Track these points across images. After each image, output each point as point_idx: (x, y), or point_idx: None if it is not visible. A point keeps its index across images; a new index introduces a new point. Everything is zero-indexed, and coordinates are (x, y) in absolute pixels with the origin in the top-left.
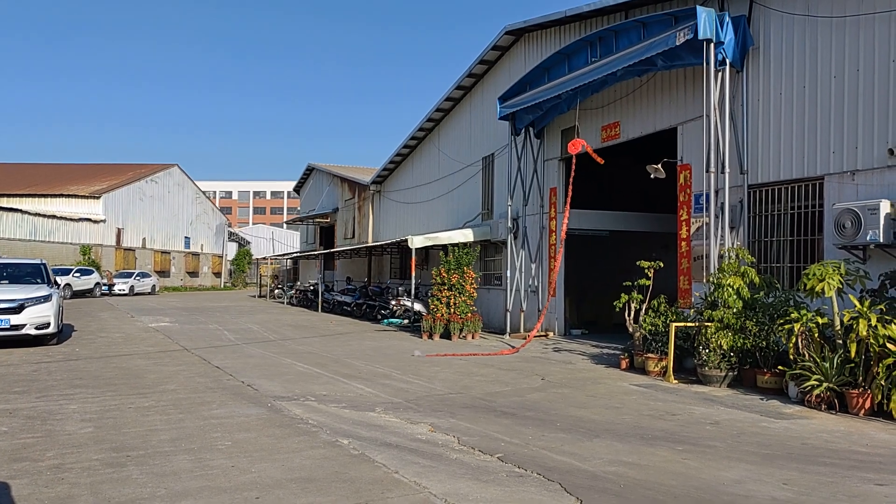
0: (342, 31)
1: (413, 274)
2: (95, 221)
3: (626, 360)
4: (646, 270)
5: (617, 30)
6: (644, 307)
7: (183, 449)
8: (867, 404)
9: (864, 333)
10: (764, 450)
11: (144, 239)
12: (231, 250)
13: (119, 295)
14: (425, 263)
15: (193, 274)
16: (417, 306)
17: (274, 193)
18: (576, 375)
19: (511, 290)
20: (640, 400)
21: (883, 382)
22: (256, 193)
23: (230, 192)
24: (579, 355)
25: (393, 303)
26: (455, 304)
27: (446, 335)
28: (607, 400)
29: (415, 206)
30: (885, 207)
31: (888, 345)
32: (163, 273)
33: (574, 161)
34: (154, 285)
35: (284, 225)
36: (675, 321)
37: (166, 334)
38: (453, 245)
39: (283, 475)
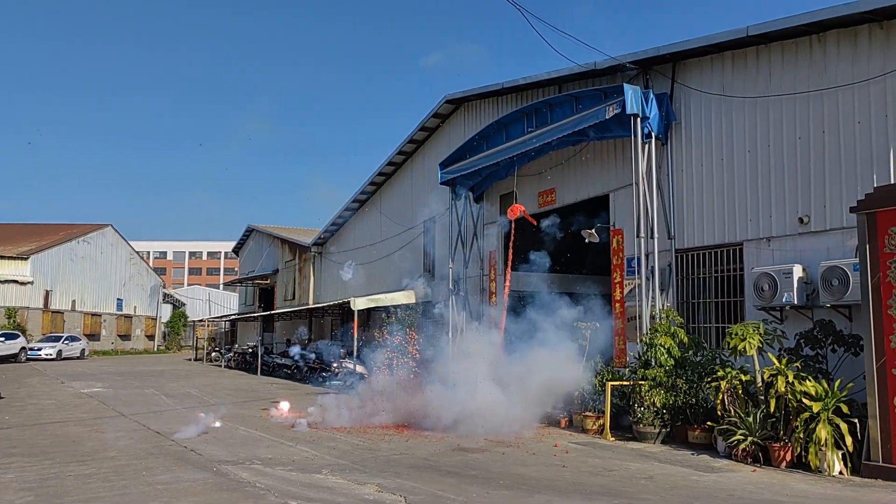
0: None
1: (356, 336)
2: (22, 283)
3: (566, 419)
4: (583, 331)
5: (551, 102)
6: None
7: None
8: (788, 456)
9: (783, 389)
10: (694, 502)
11: (74, 301)
12: (165, 312)
13: (46, 360)
14: (368, 325)
15: (125, 337)
16: (360, 368)
17: (210, 254)
18: (517, 434)
19: (452, 351)
20: (578, 457)
21: (801, 436)
22: (192, 254)
23: (165, 253)
24: None
25: (335, 365)
26: (397, 364)
27: (389, 397)
28: (548, 458)
29: (356, 267)
30: (797, 272)
31: (804, 400)
32: (93, 336)
33: (513, 225)
34: (84, 349)
35: (221, 286)
36: (610, 380)
37: (101, 400)
38: (396, 307)
39: None
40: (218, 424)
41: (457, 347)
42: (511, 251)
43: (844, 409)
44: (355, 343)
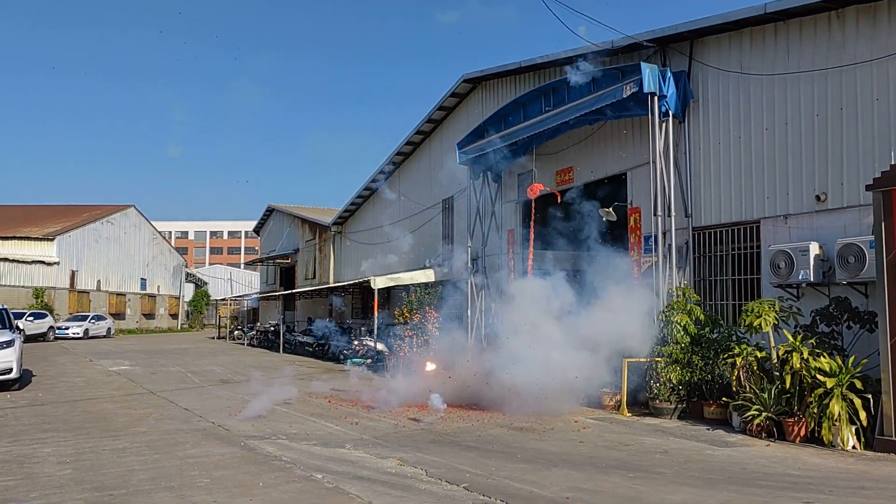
0: (306, 64)
1: (376, 314)
2: (49, 264)
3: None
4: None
5: (570, 81)
6: None
7: (163, 487)
8: (802, 431)
9: (798, 366)
10: (707, 475)
11: (99, 281)
12: (188, 291)
13: (74, 339)
14: (387, 303)
15: (149, 316)
16: (380, 346)
17: (231, 233)
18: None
19: (472, 329)
20: (595, 433)
21: (815, 411)
22: (213, 233)
23: (186, 233)
24: None
25: (355, 343)
26: (417, 342)
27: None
28: (565, 433)
29: (375, 246)
30: (814, 249)
31: (818, 376)
32: (118, 316)
33: (533, 204)
34: (109, 328)
35: (242, 265)
36: (627, 357)
37: (129, 378)
38: (415, 285)
39: None
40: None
41: (490, 326)
42: (532, 230)
43: (858, 384)
44: (375, 321)
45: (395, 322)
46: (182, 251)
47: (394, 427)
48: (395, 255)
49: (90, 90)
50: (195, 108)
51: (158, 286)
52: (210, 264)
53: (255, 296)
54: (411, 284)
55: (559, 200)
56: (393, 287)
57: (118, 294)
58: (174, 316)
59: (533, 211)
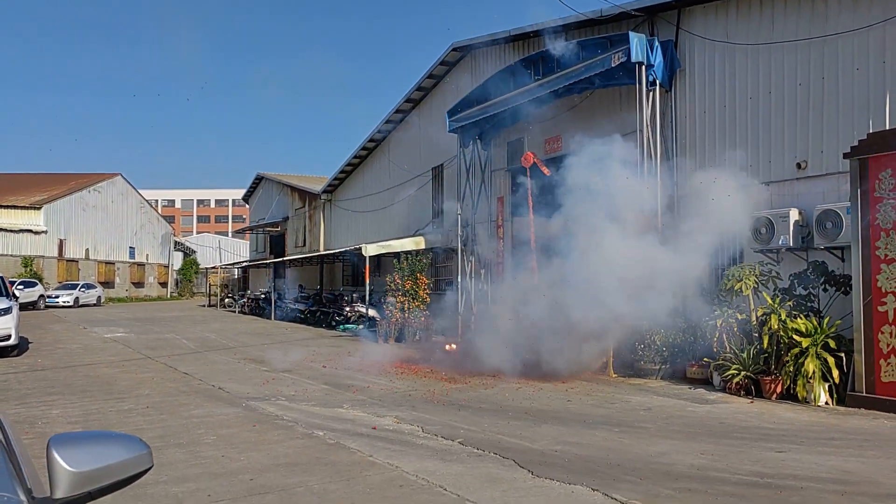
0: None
1: (367, 281)
2: (36, 232)
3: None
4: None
5: (558, 50)
6: None
7: (173, 444)
8: (778, 389)
9: (776, 327)
10: (687, 429)
11: (88, 250)
12: (177, 260)
13: (64, 307)
14: (378, 271)
15: (139, 284)
16: (372, 312)
17: (218, 202)
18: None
19: (462, 295)
20: (583, 392)
21: (791, 369)
22: (200, 202)
23: (172, 201)
24: None
25: (347, 309)
26: (409, 309)
27: (401, 339)
28: (555, 393)
29: (366, 214)
30: (794, 215)
31: (795, 336)
32: (107, 284)
33: (528, 172)
34: (99, 297)
35: (231, 234)
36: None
37: (125, 344)
38: (406, 252)
39: (270, 461)
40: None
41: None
42: (531, 198)
43: (832, 344)
44: (367, 288)
45: (387, 288)
46: (169, 220)
47: (389, 388)
48: (384, 222)
49: (75, 56)
50: (182, 74)
51: (147, 255)
52: (198, 233)
53: (245, 264)
54: (402, 252)
55: (547, 174)
56: (384, 254)
57: (107, 263)
58: (163, 284)
59: (529, 179)
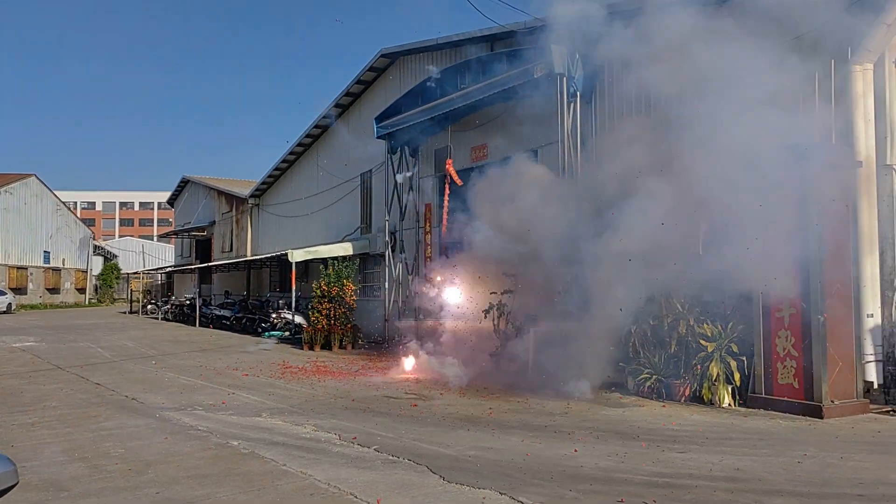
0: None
1: (294, 287)
2: None
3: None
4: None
5: (484, 60)
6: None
7: (77, 458)
8: (687, 392)
9: (684, 332)
10: (599, 432)
11: None
12: (97, 265)
13: None
14: (305, 276)
15: (54, 290)
16: (298, 319)
17: (143, 204)
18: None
19: (390, 302)
20: (502, 398)
21: (698, 373)
22: (123, 204)
23: (93, 203)
24: None
25: (273, 316)
26: (335, 315)
27: (327, 346)
28: (474, 400)
29: (294, 219)
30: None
31: (701, 341)
32: (19, 290)
33: (447, 179)
34: (10, 304)
35: (156, 238)
36: (535, 327)
37: (35, 354)
38: (334, 258)
39: (180, 473)
40: None
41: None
42: (446, 200)
43: (735, 348)
44: (293, 294)
45: (314, 295)
46: (89, 223)
47: (310, 396)
48: (313, 227)
49: None
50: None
51: (64, 259)
52: (120, 236)
53: (170, 269)
54: (329, 258)
55: (460, 184)
56: (311, 260)
57: (18, 268)
58: (81, 290)
59: (447, 186)
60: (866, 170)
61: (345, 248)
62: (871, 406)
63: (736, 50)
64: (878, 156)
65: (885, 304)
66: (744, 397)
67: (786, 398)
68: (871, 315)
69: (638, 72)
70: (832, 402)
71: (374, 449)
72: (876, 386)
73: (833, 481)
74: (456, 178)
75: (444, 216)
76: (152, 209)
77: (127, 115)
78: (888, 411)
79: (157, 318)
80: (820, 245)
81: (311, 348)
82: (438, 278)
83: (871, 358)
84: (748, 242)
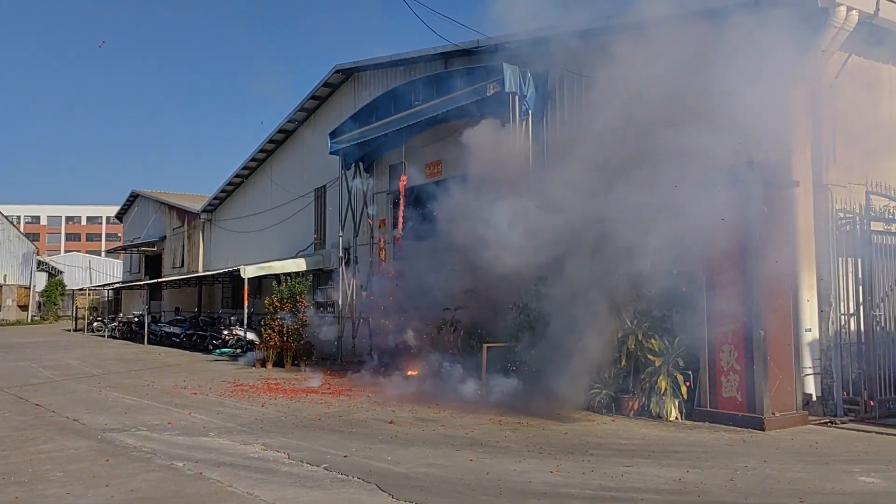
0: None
1: (246, 303)
2: None
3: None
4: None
5: (438, 77)
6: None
7: (12, 482)
8: (636, 406)
9: (632, 347)
10: (548, 447)
11: None
12: (40, 281)
13: None
14: (258, 293)
15: None
16: (250, 336)
17: (90, 219)
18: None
19: (343, 318)
20: (452, 415)
21: (647, 387)
22: (70, 219)
23: (38, 217)
24: None
25: (225, 332)
26: (288, 332)
27: (279, 363)
28: (426, 417)
29: (247, 235)
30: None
31: (649, 356)
32: None
33: (402, 195)
34: None
35: (104, 253)
36: (487, 343)
37: None
38: (286, 274)
39: (121, 497)
40: None
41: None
42: (401, 214)
43: (681, 362)
44: (245, 310)
45: (266, 311)
46: (33, 237)
47: (260, 414)
48: (266, 243)
49: None
50: (48, 80)
51: (5, 275)
52: (66, 251)
53: (118, 285)
54: (282, 274)
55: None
56: (264, 276)
57: None
58: (24, 308)
59: (402, 202)
60: (803, 189)
61: (298, 264)
62: (811, 418)
63: (675, 66)
64: (815, 175)
65: (823, 319)
66: (690, 410)
67: (729, 411)
68: (810, 329)
69: (585, 93)
70: (773, 414)
71: (324, 467)
72: (815, 398)
73: (772, 492)
74: (402, 194)
75: (399, 232)
76: (100, 224)
77: (73, 120)
78: (826, 423)
79: (103, 336)
80: (759, 262)
81: (264, 365)
82: (390, 297)
83: (810, 371)
84: (692, 261)
